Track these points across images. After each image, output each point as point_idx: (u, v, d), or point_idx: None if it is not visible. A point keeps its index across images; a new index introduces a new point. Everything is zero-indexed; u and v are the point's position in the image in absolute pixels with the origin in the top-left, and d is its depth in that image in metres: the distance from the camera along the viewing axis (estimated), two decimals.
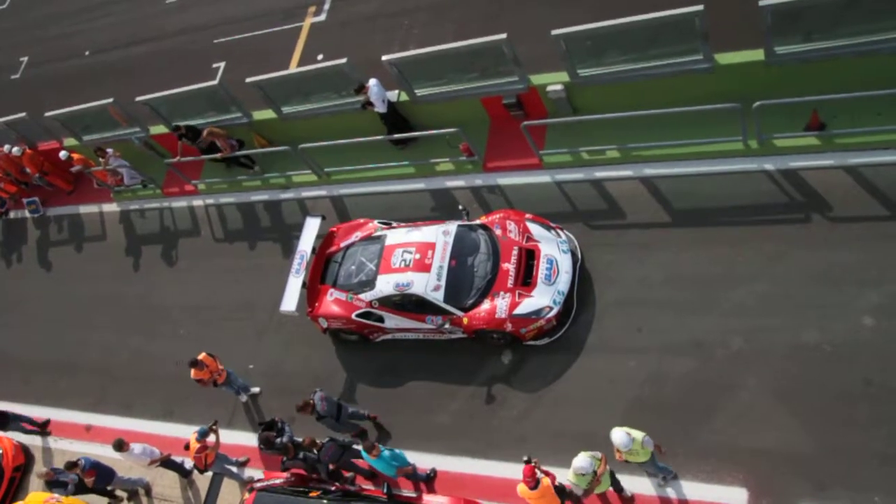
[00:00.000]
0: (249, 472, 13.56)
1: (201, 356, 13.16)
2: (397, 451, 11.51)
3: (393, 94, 14.72)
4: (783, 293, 11.11)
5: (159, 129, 17.53)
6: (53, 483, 13.18)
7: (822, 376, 10.37)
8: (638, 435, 9.51)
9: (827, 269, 11.00)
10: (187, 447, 12.44)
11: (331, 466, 12.04)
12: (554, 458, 10.70)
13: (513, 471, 11.53)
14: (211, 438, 12.52)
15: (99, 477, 13.33)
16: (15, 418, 15.66)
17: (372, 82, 14.35)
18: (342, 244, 13.88)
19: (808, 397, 10.34)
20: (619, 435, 9.41)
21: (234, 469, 13.35)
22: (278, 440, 11.89)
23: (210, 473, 12.93)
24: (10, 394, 17.22)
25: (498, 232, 12.78)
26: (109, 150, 17.97)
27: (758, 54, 11.73)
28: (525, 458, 9.97)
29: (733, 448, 10.39)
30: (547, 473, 10.10)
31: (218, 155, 16.47)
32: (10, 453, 15.64)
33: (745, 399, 10.67)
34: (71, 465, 13.06)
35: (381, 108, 14.50)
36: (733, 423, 10.58)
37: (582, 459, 9.54)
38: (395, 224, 13.95)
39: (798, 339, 10.73)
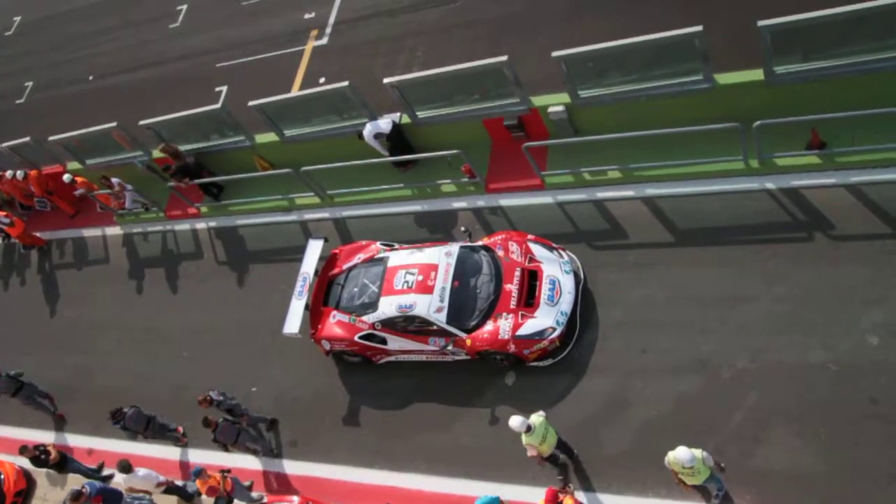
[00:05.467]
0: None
1: None
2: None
3: (388, 120, 14.72)
4: (787, 312, 11.08)
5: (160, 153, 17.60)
6: None
7: (829, 395, 10.31)
8: (699, 452, 9.34)
9: (831, 287, 10.98)
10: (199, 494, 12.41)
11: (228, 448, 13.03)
12: (559, 481, 10.62)
13: (516, 493, 11.49)
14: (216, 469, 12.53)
15: (106, 502, 13.18)
16: (73, 461, 15.06)
17: (365, 130, 14.55)
18: (345, 266, 13.89)
19: (815, 417, 10.27)
20: (683, 452, 9.19)
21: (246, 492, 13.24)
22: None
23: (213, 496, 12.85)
24: (12, 418, 17.16)
25: (500, 253, 12.78)
26: (115, 179, 18.02)
27: (757, 74, 11.79)
28: (561, 479, 9.86)
29: (741, 468, 10.30)
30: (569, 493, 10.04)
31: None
32: (11, 478, 15.54)
33: (751, 419, 10.61)
34: (77, 495, 12.82)
35: (376, 145, 14.71)
36: (740, 443, 10.51)
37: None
38: (397, 246, 13.97)
39: (803, 358, 10.68)
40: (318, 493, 12.86)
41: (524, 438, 10.37)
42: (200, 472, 12.23)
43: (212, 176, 17.25)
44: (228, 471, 12.68)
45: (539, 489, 10.76)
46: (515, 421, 10.19)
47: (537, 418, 10.43)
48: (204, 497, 13.68)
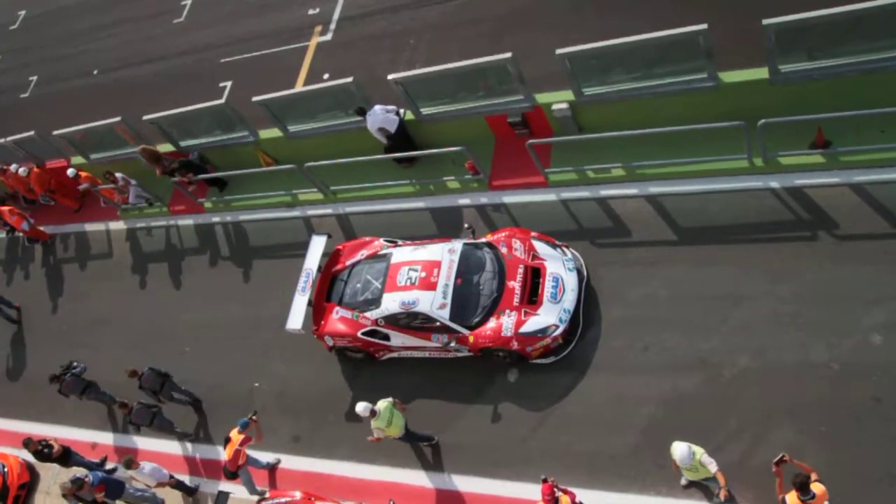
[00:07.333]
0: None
1: None
2: None
3: (394, 118, 14.65)
4: (790, 311, 11.08)
5: (166, 147, 17.61)
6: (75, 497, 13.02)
7: (831, 395, 10.32)
8: (698, 450, 9.43)
9: (834, 286, 10.97)
10: (227, 441, 12.36)
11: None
12: (561, 477, 10.63)
13: (519, 490, 11.52)
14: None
15: (108, 492, 13.23)
16: (76, 455, 15.09)
17: (369, 121, 14.47)
18: (348, 262, 13.90)
19: (817, 416, 10.28)
20: (680, 449, 9.33)
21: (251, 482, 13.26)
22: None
23: (215, 491, 12.87)
24: (15, 412, 17.23)
25: (503, 250, 12.79)
26: (119, 174, 18.05)
27: (762, 73, 11.76)
28: (543, 477, 9.91)
29: (742, 466, 10.31)
30: (566, 492, 10.03)
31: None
32: (15, 471, 15.63)
33: (752, 418, 10.61)
34: (80, 485, 12.86)
35: (378, 135, 14.65)
36: (741, 441, 10.52)
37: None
38: (400, 242, 13.97)
39: (805, 357, 10.68)
40: (320, 488, 12.88)
41: (372, 423, 11.09)
42: (247, 424, 12.25)
43: (215, 171, 17.28)
44: (255, 414, 12.65)
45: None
46: (360, 406, 11.01)
47: (383, 403, 11.24)
48: (195, 493, 13.83)
